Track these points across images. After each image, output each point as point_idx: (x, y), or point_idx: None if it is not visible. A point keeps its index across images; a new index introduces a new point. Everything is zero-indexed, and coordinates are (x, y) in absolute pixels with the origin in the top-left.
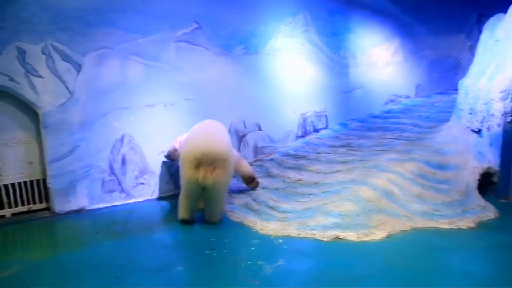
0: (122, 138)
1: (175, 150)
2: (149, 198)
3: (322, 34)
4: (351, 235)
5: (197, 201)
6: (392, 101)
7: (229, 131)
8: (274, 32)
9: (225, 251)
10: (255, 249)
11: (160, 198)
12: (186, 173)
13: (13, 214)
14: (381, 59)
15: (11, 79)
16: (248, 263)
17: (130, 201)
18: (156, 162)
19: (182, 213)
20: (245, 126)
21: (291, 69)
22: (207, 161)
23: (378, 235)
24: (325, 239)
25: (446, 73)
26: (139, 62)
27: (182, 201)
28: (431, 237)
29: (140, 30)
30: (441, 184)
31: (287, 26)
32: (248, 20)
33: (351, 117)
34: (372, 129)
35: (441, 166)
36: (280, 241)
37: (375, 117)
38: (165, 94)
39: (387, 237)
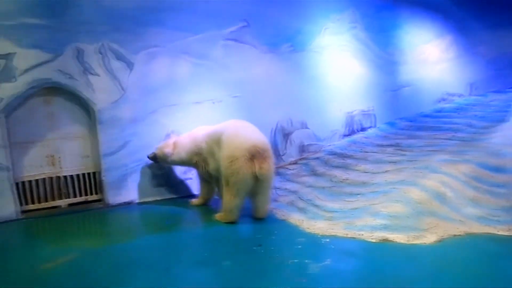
0: (170, 135)
1: (165, 154)
2: (196, 194)
3: (370, 30)
4: (400, 237)
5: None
6: (444, 99)
7: (274, 129)
8: (321, 29)
9: (272, 248)
10: (301, 247)
11: None
12: (241, 168)
13: (69, 205)
14: (432, 56)
15: (71, 77)
16: (295, 261)
17: (177, 196)
18: None
19: (234, 215)
20: (291, 124)
21: (338, 66)
22: (259, 152)
23: (429, 238)
24: (373, 240)
25: (503, 70)
26: (188, 60)
27: (231, 202)
28: (487, 243)
29: (189, 29)
30: (499, 188)
31: (334, 23)
32: (295, 18)
33: (400, 116)
34: (422, 128)
35: (498, 169)
36: (327, 240)
37: (426, 116)
38: (213, 92)
39: (439, 241)
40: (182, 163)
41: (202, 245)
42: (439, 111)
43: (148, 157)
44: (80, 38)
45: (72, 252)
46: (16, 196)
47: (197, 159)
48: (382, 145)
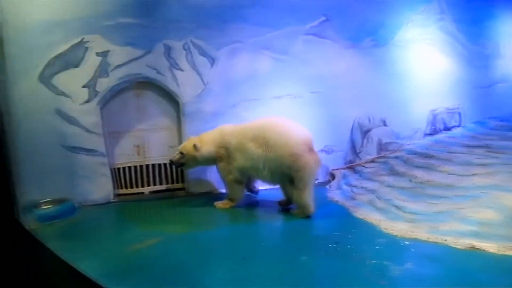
0: None
1: (196, 147)
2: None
3: (459, 22)
4: (490, 246)
5: None
6: None
7: (353, 126)
8: (404, 22)
9: (349, 246)
10: (380, 248)
11: None
12: (307, 163)
13: (153, 192)
14: None
15: (158, 72)
16: (373, 261)
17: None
18: None
19: (311, 208)
20: (370, 121)
21: (422, 61)
22: (311, 145)
23: None
24: (458, 247)
25: None
26: (268, 55)
27: (304, 196)
28: None
29: (270, 24)
30: None
31: (419, 14)
32: (378, 10)
33: (491, 115)
34: None
35: None
36: (407, 243)
37: None
38: (292, 87)
39: None
40: (210, 157)
41: (279, 239)
42: None
43: (171, 160)
44: (168, 35)
45: (157, 236)
46: (110, 181)
47: (222, 152)
48: (469, 146)
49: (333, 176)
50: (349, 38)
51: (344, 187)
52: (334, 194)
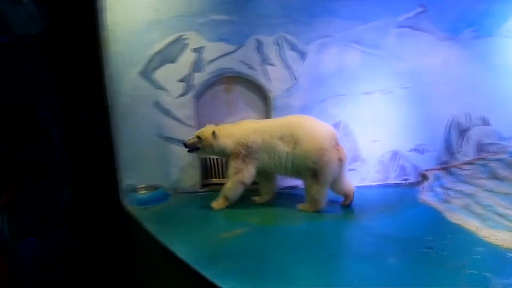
0: (338, 124)
1: (215, 135)
2: (358, 185)
3: None
4: None
5: None
6: None
7: (449, 125)
8: None
9: (444, 253)
10: (479, 257)
11: (368, 187)
12: (332, 158)
13: None
14: None
15: (250, 67)
16: (472, 271)
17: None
18: (368, 150)
19: (322, 204)
20: (469, 119)
21: None
22: (337, 140)
23: None
24: None
25: None
26: (358, 49)
27: (320, 191)
28: None
29: (360, 17)
30: None
31: None
32: None
33: None
34: None
35: None
36: (510, 254)
37: None
38: (383, 82)
39: None
40: (225, 150)
41: (366, 239)
42: None
43: (185, 143)
44: (260, 31)
45: (244, 226)
46: (200, 170)
47: (241, 150)
48: None
49: (424, 177)
50: (447, 30)
51: (438, 189)
52: (426, 196)
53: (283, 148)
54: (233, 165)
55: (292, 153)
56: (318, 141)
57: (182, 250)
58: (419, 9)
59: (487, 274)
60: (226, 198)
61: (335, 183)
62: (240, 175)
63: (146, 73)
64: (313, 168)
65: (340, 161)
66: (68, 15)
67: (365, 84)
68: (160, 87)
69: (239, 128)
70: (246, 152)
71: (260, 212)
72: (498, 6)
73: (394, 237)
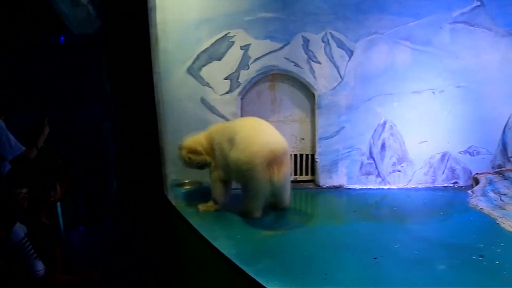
0: (384, 124)
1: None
2: (404, 187)
3: None
4: None
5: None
6: None
7: (506, 126)
8: None
9: (497, 262)
10: None
11: (415, 189)
12: (258, 176)
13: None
14: None
15: (296, 65)
16: None
17: (384, 187)
18: (415, 151)
19: (255, 215)
20: None
21: None
22: (276, 158)
23: None
24: None
25: None
26: (408, 46)
27: (251, 204)
28: None
29: (411, 13)
30: None
31: None
32: None
33: None
34: None
35: None
36: None
37: None
38: (434, 81)
39: None
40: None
41: (411, 243)
42: None
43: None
44: (306, 28)
45: (286, 225)
46: None
47: (209, 160)
48: None
49: (476, 181)
50: (506, 25)
51: (491, 194)
52: (478, 200)
53: (228, 151)
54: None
55: (228, 155)
56: (248, 153)
57: (224, 245)
58: (476, 4)
59: None
60: (214, 201)
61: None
62: (215, 172)
63: (193, 70)
64: (241, 179)
65: (272, 183)
66: (122, 14)
67: (415, 83)
68: (206, 84)
69: (205, 134)
70: (211, 149)
71: (305, 211)
72: None
73: (442, 242)
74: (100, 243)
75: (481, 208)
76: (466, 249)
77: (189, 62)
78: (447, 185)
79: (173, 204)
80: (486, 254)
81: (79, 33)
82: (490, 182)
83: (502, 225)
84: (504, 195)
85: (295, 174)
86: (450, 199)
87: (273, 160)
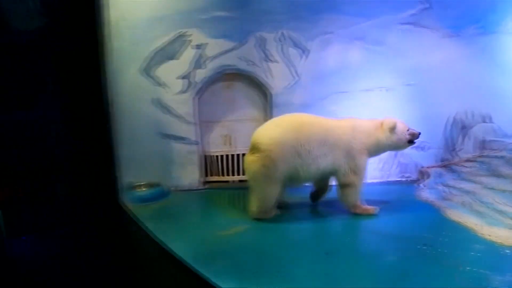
0: None
1: None
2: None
3: None
4: None
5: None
6: None
7: (451, 122)
8: None
9: (443, 250)
10: (477, 255)
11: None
12: (248, 164)
13: (239, 181)
14: None
15: (252, 64)
16: (468, 268)
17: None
18: None
19: (258, 213)
20: (471, 116)
21: None
22: (252, 146)
23: None
24: None
25: None
26: (361, 46)
27: (256, 200)
28: None
29: (364, 14)
30: None
31: None
32: None
33: None
34: None
35: None
36: (507, 251)
37: None
38: (384, 79)
39: None
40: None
41: (364, 236)
42: None
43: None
44: (262, 28)
45: (243, 224)
46: (201, 168)
47: None
48: None
49: (425, 174)
50: (451, 26)
51: (438, 186)
52: (427, 193)
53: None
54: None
55: None
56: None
57: (179, 247)
58: (423, 6)
59: (485, 271)
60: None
61: None
62: None
63: (147, 70)
64: None
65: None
66: (68, 11)
67: (367, 81)
68: (160, 84)
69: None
70: None
71: None
72: (503, 3)
73: (393, 235)
74: (47, 252)
75: (429, 201)
76: (413, 240)
77: (143, 62)
78: (400, 179)
79: (127, 207)
80: (433, 244)
81: (21, 30)
82: (438, 175)
83: (448, 215)
84: (450, 187)
85: None
86: (402, 193)
87: (253, 145)
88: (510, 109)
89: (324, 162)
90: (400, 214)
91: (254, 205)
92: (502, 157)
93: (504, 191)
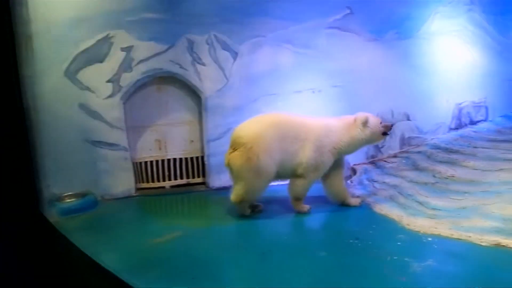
0: None
1: None
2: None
3: (489, 13)
4: None
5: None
6: None
7: None
8: (431, 13)
9: (369, 242)
10: (401, 244)
11: None
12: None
13: (173, 186)
14: None
15: (181, 67)
16: (394, 258)
17: (275, 183)
18: None
19: (240, 210)
20: (392, 115)
21: (449, 54)
22: (233, 142)
23: None
24: (482, 244)
25: None
26: (290, 49)
27: (238, 193)
28: None
29: (292, 18)
30: None
31: (447, 6)
32: (403, 2)
33: None
34: None
35: None
36: (429, 239)
37: None
38: (313, 81)
39: None
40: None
41: (298, 234)
42: None
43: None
44: (191, 30)
45: (177, 230)
46: (132, 175)
47: None
48: (495, 140)
49: (354, 171)
50: (372, 31)
51: (366, 182)
52: (355, 189)
53: None
54: None
55: None
56: None
57: (109, 259)
58: (346, 11)
59: (407, 259)
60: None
61: None
62: None
63: (71, 73)
64: None
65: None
66: None
67: (297, 83)
68: (86, 88)
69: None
70: None
71: (197, 214)
72: (417, 10)
73: (324, 230)
74: None
75: (357, 196)
76: (344, 234)
77: (66, 64)
78: None
79: (52, 220)
80: (361, 237)
81: None
82: (365, 172)
83: (375, 209)
84: (377, 182)
85: (187, 177)
86: None
87: (232, 144)
88: (426, 108)
89: (297, 158)
90: (333, 210)
91: (238, 192)
92: (421, 152)
93: (424, 183)
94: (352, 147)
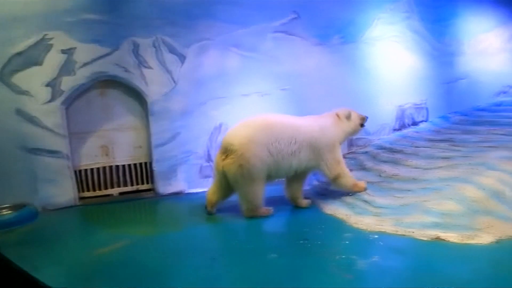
0: (220, 126)
1: None
2: None
3: (426, 20)
4: (453, 237)
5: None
6: (504, 92)
7: None
8: (373, 19)
9: (318, 242)
10: (348, 243)
11: None
12: (214, 162)
13: (121, 193)
14: (492, 46)
15: (126, 70)
16: (342, 256)
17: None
18: None
19: (246, 211)
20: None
21: (390, 58)
22: (225, 148)
23: (485, 239)
24: (423, 239)
25: None
26: (237, 52)
27: (243, 199)
28: None
29: (239, 21)
30: None
31: (387, 13)
32: (346, 8)
33: (454, 109)
34: (478, 123)
35: None
36: (375, 236)
37: (482, 110)
38: (261, 84)
39: (496, 242)
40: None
41: (248, 237)
42: (498, 104)
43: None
44: (136, 33)
45: (124, 238)
46: (74, 183)
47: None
48: (434, 140)
49: None
50: (318, 36)
51: (315, 183)
52: (305, 190)
53: None
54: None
55: None
56: None
57: (48, 275)
58: (292, 16)
59: (354, 257)
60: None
61: None
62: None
63: (5, 76)
64: None
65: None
66: None
67: (244, 86)
68: (23, 93)
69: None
70: None
71: (144, 221)
72: (360, 16)
73: (274, 233)
74: None
75: (307, 198)
76: (293, 235)
77: (1, 67)
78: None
79: None
80: (310, 237)
81: None
82: (314, 173)
83: (323, 209)
84: (325, 182)
85: (136, 184)
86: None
87: (223, 150)
88: (370, 110)
89: (296, 160)
90: (284, 212)
91: (243, 206)
92: (367, 152)
93: (371, 182)
94: (343, 140)
